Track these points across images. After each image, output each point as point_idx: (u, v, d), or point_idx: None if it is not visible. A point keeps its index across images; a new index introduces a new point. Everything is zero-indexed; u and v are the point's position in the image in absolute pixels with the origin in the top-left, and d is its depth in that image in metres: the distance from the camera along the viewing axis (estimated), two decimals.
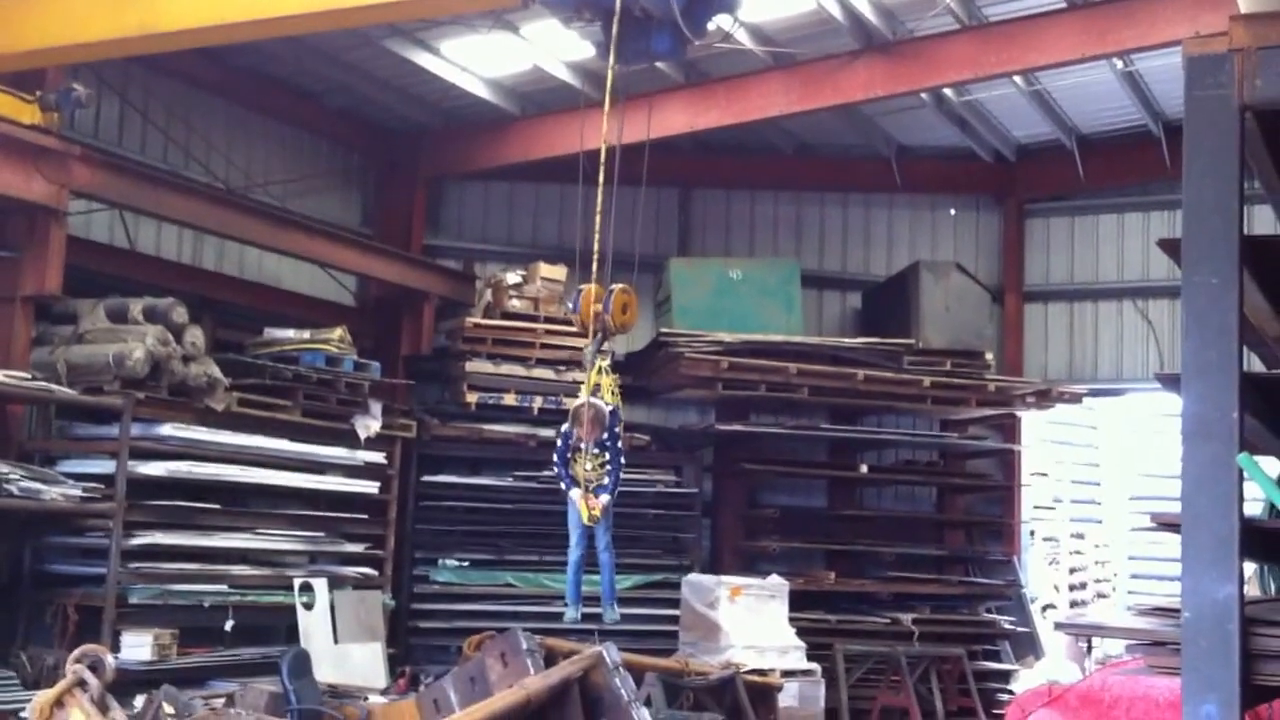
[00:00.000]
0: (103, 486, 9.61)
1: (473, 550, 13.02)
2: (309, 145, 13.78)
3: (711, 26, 8.34)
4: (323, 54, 12.24)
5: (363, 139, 14.18)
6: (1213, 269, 4.43)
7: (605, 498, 8.45)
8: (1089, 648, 11.32)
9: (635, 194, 10.02)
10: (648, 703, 7.72)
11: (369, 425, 11.92)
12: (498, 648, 6.35)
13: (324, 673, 9.74)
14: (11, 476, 8.98)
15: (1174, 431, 4.54)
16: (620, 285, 8.34)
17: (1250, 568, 7.06)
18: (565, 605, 9.01)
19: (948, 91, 13.19)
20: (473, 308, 13.51)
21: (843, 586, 13.55)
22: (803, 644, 11.95)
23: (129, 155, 11.54)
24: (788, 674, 11.21)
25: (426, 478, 12.97)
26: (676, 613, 12.44)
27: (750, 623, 11.79)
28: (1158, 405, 17.41)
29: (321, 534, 11.72)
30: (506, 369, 13.01)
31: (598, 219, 8.17)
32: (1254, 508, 4.93)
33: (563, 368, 13.09)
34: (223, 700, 7.78)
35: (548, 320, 13.13)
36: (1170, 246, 4.71)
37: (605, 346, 8.45)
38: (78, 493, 9.40)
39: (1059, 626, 10.18)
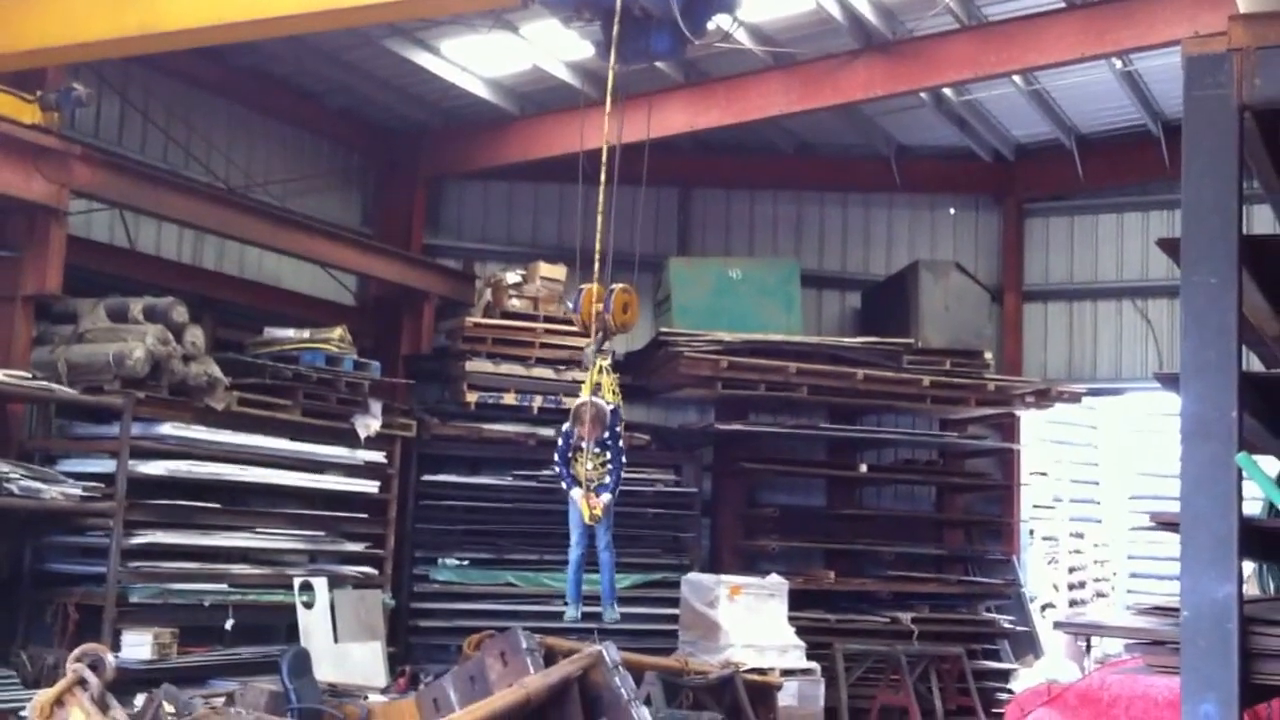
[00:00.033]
0: (103, 486, 9.62)
1: (472, 549, 13.03)
2: (309, 145, 13.79)
3: (711, 26, 8.34)
4: (323, 54, 12.25)
5: (363, 139, 14.19)
6: (1212, 268, 4.43)
7: (606, 497, 8.45)
8: (1088, 647, 11.32)
9: (635, 194, 10.03)
10: (647, 702, 7.73)
11: (369, 424, 11.93)
12: (497, 647, 6.35)
13: (324, 672, 9.75)
14: (12, 475, 8.99)
15: (1173, 431, 4.54)
16: (621, 285, 8.34)
17: (1249, 567, 7.06)
18: (565, 604, 9.00)
19: (947, 91, 13.20)
20: (472, 307, 13.51)
21: (842, 585, 13.55)
22: (802, 643, 11.96)
23: (129, 155, 11.55)
24: (787, 673, 11.22)
25: (426, 477, 12.97)
26: (676, 612, 12.46)
27: (750, 622, 11.80)
28: (1157, 405, 17.44)
29: (321, 533, 11.73)
30: (506, 368, 13.02)
31: (599, 219, 8.17)
32: (1253, 507, 4.93)
33: (562, 367, 13.11)
34: (223, 699, 7.78)
35: (547, 320, 13.14)
36: (1169, 246, 4.71)
37: (606, 346, 8.45)
38: (78, 492, 9.41)
39: (1058, 625, 10.16)
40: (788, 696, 10.76)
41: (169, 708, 6.55)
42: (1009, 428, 15.05)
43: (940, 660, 12.84)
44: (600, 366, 8.40)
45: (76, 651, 5.52)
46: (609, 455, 8.48)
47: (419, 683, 10.12)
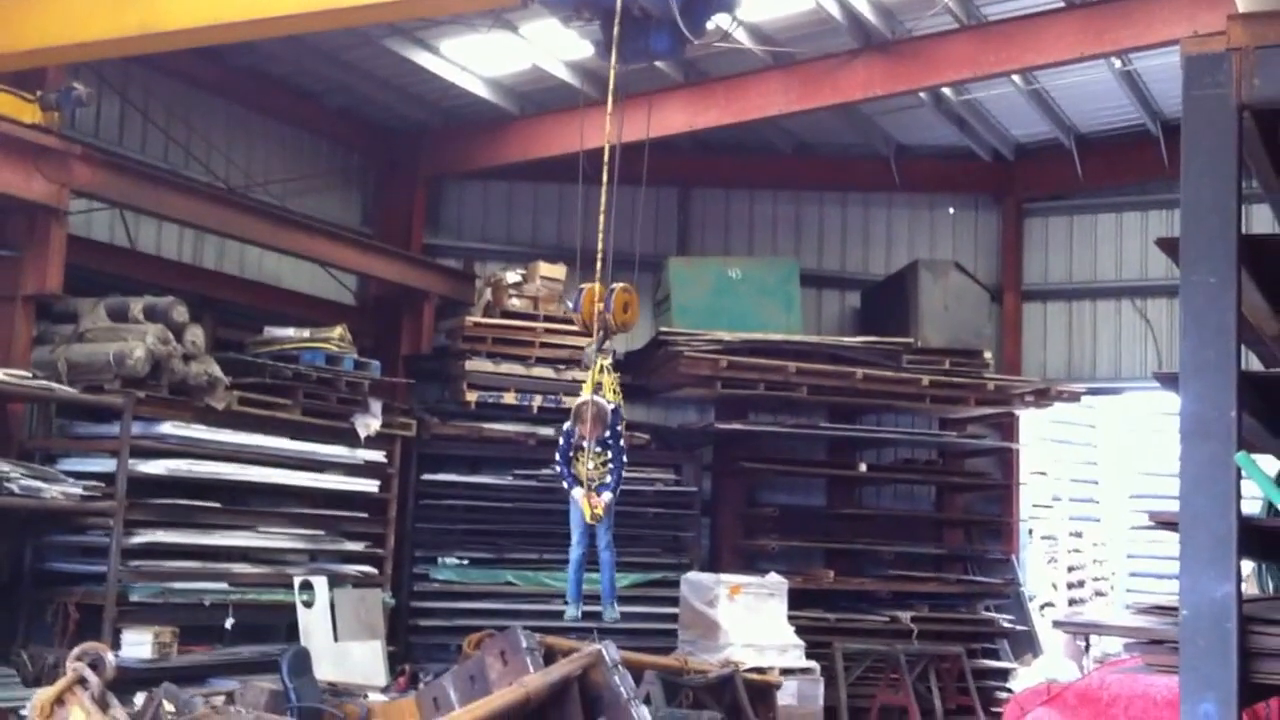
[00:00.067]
0: (103, 485, 9.62)
1: (472, 548, 13.04)
2: (309, 145, 13.79)
3: (710, 26, 8.35)
4: (322, 53, 12.25)
5: (362, 138, 14.19)
6: (1211, 268, 4.44)
7: (607, 496, 8.45)
8: (1087, 646, 11.33)
9: (635, 193, 10.05)
10: (647, 701, 7.74)
11: (369, 424, 11.93)
12: (497, 646, 6.35)
13: (324, 671, 9.76)
14: (12, 475, 8.99)
15: (1172, 430, 4.55)
16: (621, 284, 8.34)
17: (1248, 566, 7.07)
18: (565, 604, 9.01)
19: (946, 91, 13.21)
20: (472, 307, 13.52)
21: (842, 585, 13.56)
22: (801, 642, 11.97)
23: (129, 154, 11.55)
24: (786, 672, 11.23)
25: (426, 476, 12.98)
26: (676, 611, 12.46)
27: (749, 621, 11.80)
28: (1156, 404, 17.44)
29: (321, 532, 11.74)
30: (506, 368, 13.03)
31: (601, 218, 8.18)
32: (1252, 506, 4.94)
33: (562, 366, 13.12)
34: (223, 698, 7.79)
35: (547, 319, 13.15)
36: (1168, 245, 4.72)
37: (606, 345, 8.46)
38: (78, 491, 9.41)
39: (1057, 625, 10.20)
40: (787, 696, 10.77)
41: (169, 707, 6.55)
42: (1008, 427, 15.05)
43: (940, 659, 12.85)
44: (601, 366, 8.40)
45: (77, 650, 5.52)
46: (610, 454, 8.49)
47: (419, 682, 10.14)
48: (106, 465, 9.81)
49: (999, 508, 15.10)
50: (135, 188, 10.59)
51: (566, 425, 8.62)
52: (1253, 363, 5.62)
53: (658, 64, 11.23)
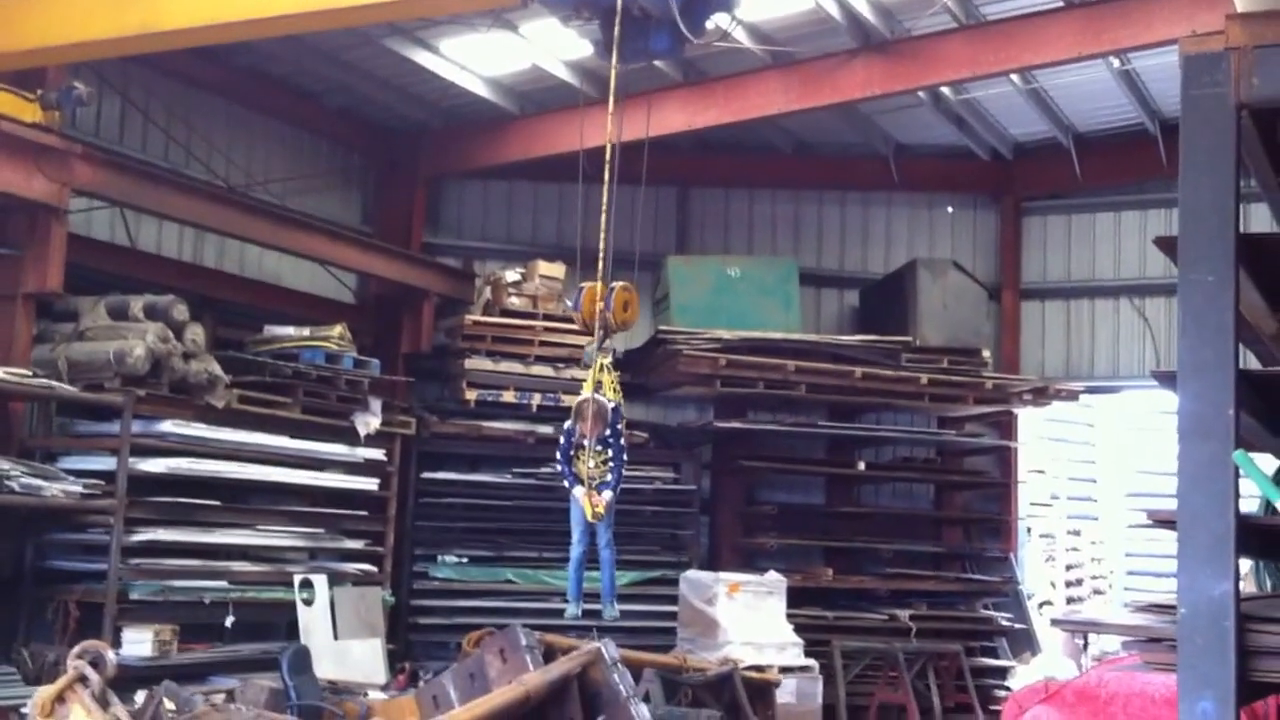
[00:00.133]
0: (103, 483, 9.64)
1: (472, 546, 13.05)
2: (309, 144, 13.80)
3: (710, 25, 8.36)
4: (322, 53, 12.26)
5: (362, 138, 14.20)
6: (1209, 267, 4.44)
7: (608, 494, 8.46)
8: (1085, 644, 11.36)
9: (634, 192, 10.07)
10: (646, 699, 7.75)
11: (369, 422, 11.94)
12: (497, 644, 6.37)
13: (324, 669, 9.78)
14: (13, 473, 9.00)
15: (1170, 429, 4.55)
16: (621, 283, 8.35)
17: (1246, 564, 7.09)
18: (565, 602, 9.03)
19: (945, 90, 13.23)
20: (472, 305, 13.53)
21: (840, 583, 13.58)
22: (800, 640, 11.98)
23: (130, 154, 11.56)
24: (785, 670, 11.24)
25: (426, 474, 12.99)
26: (675, 609, 12.48)
27: (748, 619, 11.81)
28: (1154, 403, 17.46)
29: (321, 530, 11.75)
30: (505, 366, 13.04)
31: (603, 217, 8.19)
32: (1250, 505, 4.95)
33: (561, 365, 13.14)
34: (223, 696, 7.81)
35: (546, 318, 13.16)
36: (1167, 244, 4.73)
37: (607, 344, 8.47)
38: (79, 489, 9.43)
39: (1056, 623, 10.23)
40: (786, 694, 10.78)
41: (169, 705, 6.56)
42: (1007, 426, 15.07)
43: (938, 657, 12.87)
44: (601, 364, 8.42)
45: (77, 648, 5.53)
46: (610, 453, 8.51)
47: (418, 680, 10.18)
48: (107, 463, 9.82)
49: (997, 506, 15.13)
50: (136, 187, 10.60)
51: (567, 424, 8.63)
52: (1251, 361, 5.63)
53: (657, 63, 11.23)
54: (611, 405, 8.46)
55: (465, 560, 12.96)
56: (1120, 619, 6.85)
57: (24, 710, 7.01)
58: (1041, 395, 14.02)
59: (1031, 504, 16.89)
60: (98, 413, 10.16)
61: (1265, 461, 4.77)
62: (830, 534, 14.24)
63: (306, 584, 11.12)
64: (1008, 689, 12.80)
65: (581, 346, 10.00)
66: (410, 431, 12.69)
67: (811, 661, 11.90)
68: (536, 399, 13.10)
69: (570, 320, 12.02)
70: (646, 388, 13.79)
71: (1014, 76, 12.50)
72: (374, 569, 12.15)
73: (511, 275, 13.40)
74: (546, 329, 13.12)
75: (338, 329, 11.82)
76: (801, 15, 11.37)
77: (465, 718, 5.40)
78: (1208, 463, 4.37)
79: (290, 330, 11.73)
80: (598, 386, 8.39)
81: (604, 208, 8.16)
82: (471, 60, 12.56)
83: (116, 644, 9.29)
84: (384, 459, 12.29)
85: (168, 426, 10.16)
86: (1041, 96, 13.45)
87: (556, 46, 12.00)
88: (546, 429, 12.81)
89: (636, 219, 10.28)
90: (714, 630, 11.73)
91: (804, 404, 13.82)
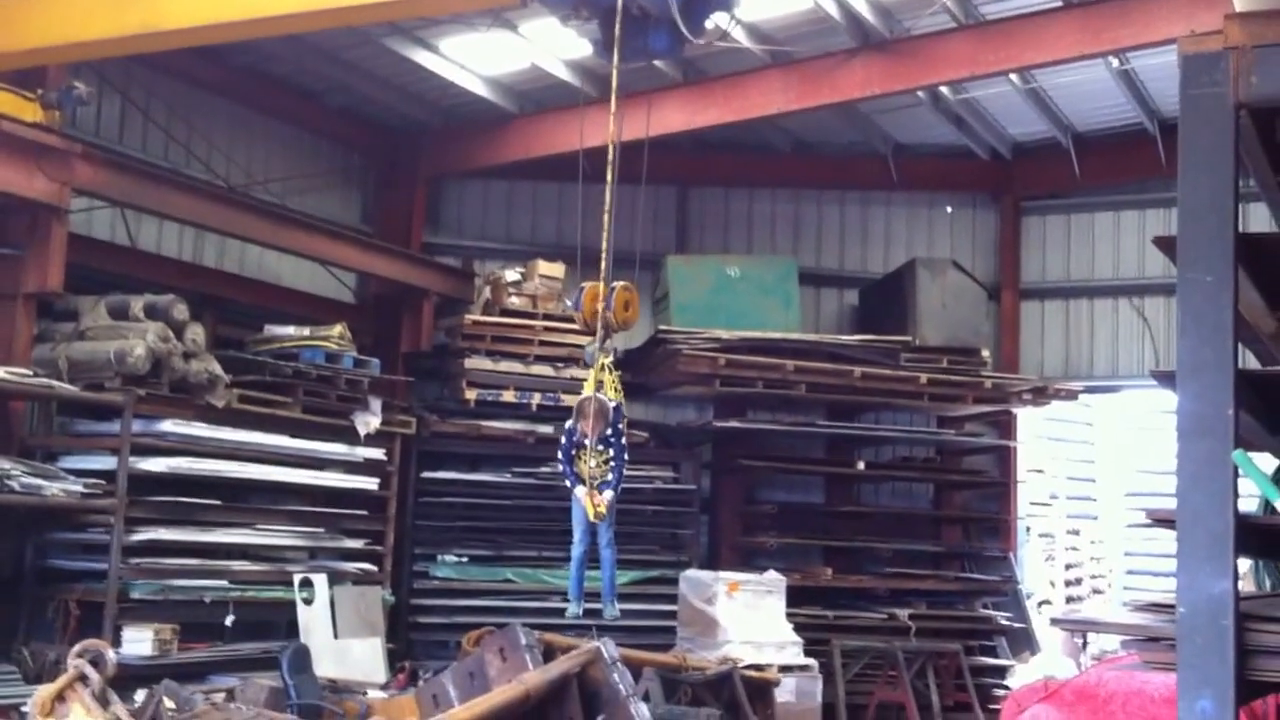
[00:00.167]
0: (104, 483, 9.65)
1: (472, 546, 13.05)
2: (309, 144, 13.81)
3: (709, 25, 8.36)
4: (323, 53, 12.27)
5: (363, 138, 14.21)
6: (1208, 266, 4.44)
7: (609, 494, 8.47)
8: (1084, 643, 11.37)
9: (634, 192, 10.07)
10: (646, 698, 7.76)
11: (369, 421, 11.94)
12: (497, 643, 6.38)
13: (324, 668, 9.80)
14: (13, 473, 9.01)
15: (1169, 428, 4.56)
16: (622, 282, 8.35)
17: (1245, 563, 7.09)
18: (566, 601, 9.03)
19: (944, 90, 13.23)
20: (472, 305, 13.54)
21: (840, 582, 13.59)
22: (800, 639, 11.97)
23: (130, 153, 11.58)
24: (785, 669, 11.24)
25: (426, 474, 12.99)
26: (674, 608, 12.47)
27: (748, 618, 11.81)
28: (1153, 402, 17.47)
29: (321, 530, 11.76)
30: (505, 366, 13.04)
31: (605, 217, 8.19)
32: (1249, 504, 4.96)
33: (561, 364, 13.14)
34: (223, 695, 7.82)
35: (546, 317, 13.16)
36: (1166, 244, 4.73)
37: (607, 344, 8.47)
38: (79, 489, 9.44)
39: (1055, 622, 10.23)
40: (785, 693, 10.78)
41: (169, 704, 6.58)
42: (1006, 425, 15.08)
43: (937, 657, 12.87)
44: (603, 364, 8.43)
45: (78, 647, 5.55)
46: (612, 452, 8.51)
47: (418, 679, 10.19)
48: (107, 463, 9.83)
49: (997, 505, 15.13)
50: (136, 186, 10.61)
51: (569, 423, 8.63)
52: (1250, 361, 5.64)
53: (657, 63, 11.24)
54: (613, 405, 8.46)
55: (465, 559, 12.96)
56: (1119, 618, 6.85)
57: (24, 709, 7.02)
58: (1041, 395, 14.03)
59: (1031, 503, 16.90)
60: (98, 412, 10.17)
61: (1264, 461, 4.77)
62: (830, 533, 14.26)
63: (306, 583, 11.13)
64: (1007, 688, 12.80)
65: (581, 346, 10.00)
66: (410, 431, 12.69)
67: (811, 660, 11.90)
68: (536, 399, 13.11)
69: (570, 320, 12.03)
70: (646, 387, 13.79)
71: (1013, 76, 12.52)
72: (374, 568, 12.15)
73: (511, 275, 13.41)
74: (546, 329, 13.12)
75: (338, 328, 11.83)
76: (801, 15, 11.39)
77: (465, 717, 5.41)
78: (1207, 462, 4.37)
79: (290, 330, 11.74)
80: (599, 386, 8.39)
81: (606, 208, 8.16)
82: (471, 60, 12.57)
83: (116, 643, 9.30)
84: (384, 458, 12.30)
85: (168, 426, 10.17)
86: (1041, 96, 13.46)
87: (556, 46, 12.01)
88: (546, 429, 12.82)
89: (636, 218, 10.30)
90: (713, 629, 11.73)
91: (803, 403, 13.82)
